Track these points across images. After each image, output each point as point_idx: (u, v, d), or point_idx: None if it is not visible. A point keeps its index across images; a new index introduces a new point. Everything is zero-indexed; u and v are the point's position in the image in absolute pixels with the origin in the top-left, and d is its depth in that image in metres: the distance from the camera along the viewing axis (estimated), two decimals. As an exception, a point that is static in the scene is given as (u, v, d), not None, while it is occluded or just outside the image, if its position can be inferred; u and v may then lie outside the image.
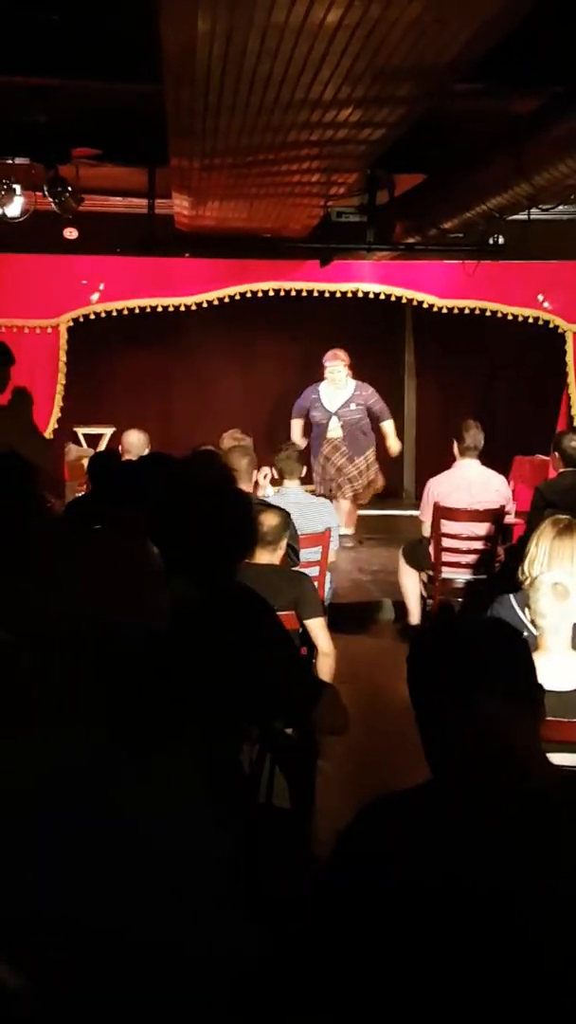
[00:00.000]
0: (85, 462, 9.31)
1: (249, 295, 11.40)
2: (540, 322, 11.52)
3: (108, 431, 11.82)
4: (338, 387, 10.85)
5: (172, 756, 1.64)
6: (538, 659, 2.18)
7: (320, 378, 10.98)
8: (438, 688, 2.08)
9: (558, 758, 3.90)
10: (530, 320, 11.50)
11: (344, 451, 10.87)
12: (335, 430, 10.87)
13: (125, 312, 11.34)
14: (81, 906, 1.54)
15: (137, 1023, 1.52)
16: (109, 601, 1.69)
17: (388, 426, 11.11)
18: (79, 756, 1.62)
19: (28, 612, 1.72)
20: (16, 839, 1.58)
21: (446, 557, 8.26)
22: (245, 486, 6.92)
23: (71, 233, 10.22)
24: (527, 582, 4.86)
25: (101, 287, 11.24)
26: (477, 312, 11.49)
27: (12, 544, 4.02)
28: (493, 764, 1.99)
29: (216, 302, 11.40)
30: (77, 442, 11.75)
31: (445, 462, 8.68)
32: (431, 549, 8.36)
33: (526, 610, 4.49)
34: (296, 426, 11.15)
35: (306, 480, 8.86)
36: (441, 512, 8.20)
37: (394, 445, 11.22)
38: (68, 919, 1.54)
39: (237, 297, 11.41)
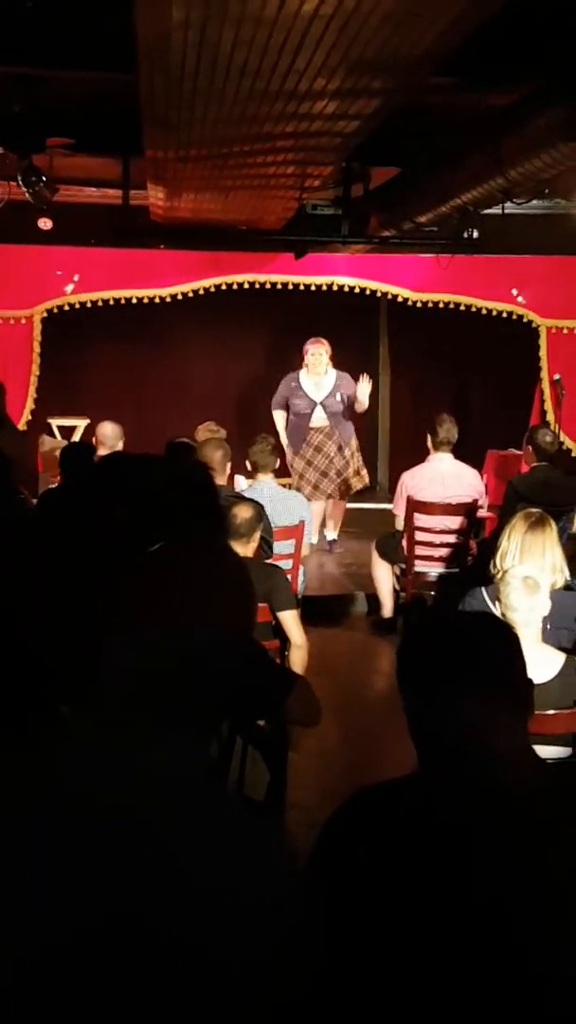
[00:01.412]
0: (58, 454, 9.28)
1: (224, 287, 11.39)
2: (514, 316, 11.55)
3: (82, 423, 11.79)
4: (319, 374, 10.53)
5: (158, 749, 1.64)
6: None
7: (296, 367, 10.81)
8: (426, 681, 2.07)
9: (529, 750, 3.92)
10: (504, 314, 11.53)
11: (336, 438, 10.54)
12: (320, 420, 10.54)
13: (100, 303, 11.32)
14: (81, 907, 1.54)
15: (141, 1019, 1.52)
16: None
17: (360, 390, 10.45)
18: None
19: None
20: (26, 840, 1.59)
21: (419, 550, 8.28)
22: (219, 479, 6.91)
23: (45, 224, 10.17)
24: (499, 575, 4.88)
25: (76, 278, 11.21)
26: (451, 306, 11.51)
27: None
28: (477, 758, 1.98)
29: (191, 294, 11.39)
30: (51, 434, 11.70)
31: (419, 456, 8.69)
32: (404, 542, 8.38)
33: (497, 603, 4.50)
34: (280, 418, 10.71)
35: (281, 473, 8.79)
36: (414, 506, 8.22)
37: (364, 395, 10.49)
38: (67, 921, 1.54)
39: (212, 289, 11.40)
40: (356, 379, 10.46)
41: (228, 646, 1.69)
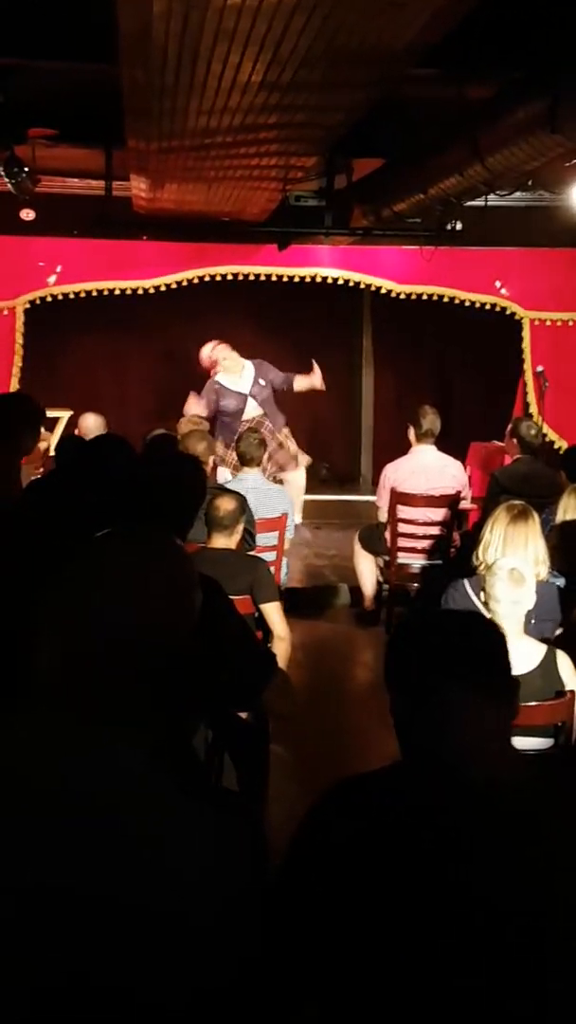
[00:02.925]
0: (42, 445, 9.26)
1: (207, 279, 11.37)
2: (497, 308, 11.56)
3: (65, 414, 11.75)
4: (236, 372, 10.37)
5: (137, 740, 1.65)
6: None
7: (280, 359, 10.66)
8: (411, 677, 2.08)
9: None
10: (487, 306, 11.54)
11: (267, 426, 10.33)
12: (253, 410, 10.35)
13: (82, 295, 11.29)
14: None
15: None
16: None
17: (300, 380, 10.47)
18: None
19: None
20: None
21: (402, 542, 8.29)
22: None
23: (28, 214, 10.14)
24: (481, 567, 4.90)
25: (58, 269, 11.18)
26: (435, 298, 11.51)
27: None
28: (458, 752, 1.99)
29: (174, 285, 11.36)
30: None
31: (402, 447, 8.70)
32: (387, 534, 8.39)
33: (480, 594, 4.52)
34: (195, 404, 10.26)
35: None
36: (397, 497, 8.23)
37: (317, 380, 10.48)
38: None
39: (195, 281, 11.37)
40: (337, 376, 10.41)
41: (159, 638, 1.69)
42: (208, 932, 1.55)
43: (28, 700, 1.69)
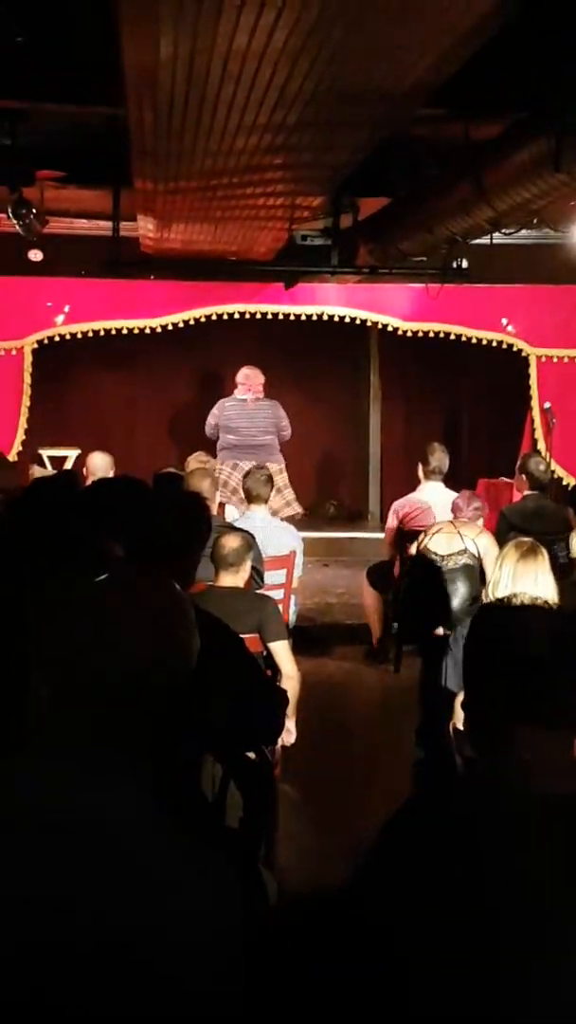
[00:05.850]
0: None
1: (214, 317, 11.42)
2: (504, 345, 11.59)
3: (73, 453, 11.79)
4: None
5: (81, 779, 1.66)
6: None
7: (283, 396, 10.67)
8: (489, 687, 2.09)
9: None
10: (494, 344, 11.57)
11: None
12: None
13: (90, 334, 11.34)
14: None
15: None
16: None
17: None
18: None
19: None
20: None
21: (410, 579, 8.26)
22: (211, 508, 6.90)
23: (36, 255, 10.20)
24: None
25: (66, 309, 11.24)
26: (442, 335, 11.55)
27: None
28: (527, 768, 1.98)
29: (181, 324, 11.41)
30: (42, 464, 11.70)
31: (410, 485, 8.70)
32: (395, 572, 8.37)
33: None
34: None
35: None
36: (405, 535, 8.21)
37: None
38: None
39: (202, 320, 11.43)
40: (345, 414, 10.49)
41: (151, 677, 1.70)
42: (188, 966, 1.56)
43: (24, 733, 1.71)
